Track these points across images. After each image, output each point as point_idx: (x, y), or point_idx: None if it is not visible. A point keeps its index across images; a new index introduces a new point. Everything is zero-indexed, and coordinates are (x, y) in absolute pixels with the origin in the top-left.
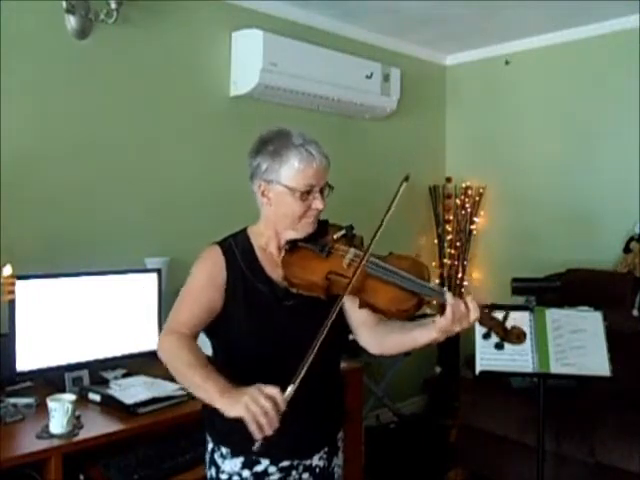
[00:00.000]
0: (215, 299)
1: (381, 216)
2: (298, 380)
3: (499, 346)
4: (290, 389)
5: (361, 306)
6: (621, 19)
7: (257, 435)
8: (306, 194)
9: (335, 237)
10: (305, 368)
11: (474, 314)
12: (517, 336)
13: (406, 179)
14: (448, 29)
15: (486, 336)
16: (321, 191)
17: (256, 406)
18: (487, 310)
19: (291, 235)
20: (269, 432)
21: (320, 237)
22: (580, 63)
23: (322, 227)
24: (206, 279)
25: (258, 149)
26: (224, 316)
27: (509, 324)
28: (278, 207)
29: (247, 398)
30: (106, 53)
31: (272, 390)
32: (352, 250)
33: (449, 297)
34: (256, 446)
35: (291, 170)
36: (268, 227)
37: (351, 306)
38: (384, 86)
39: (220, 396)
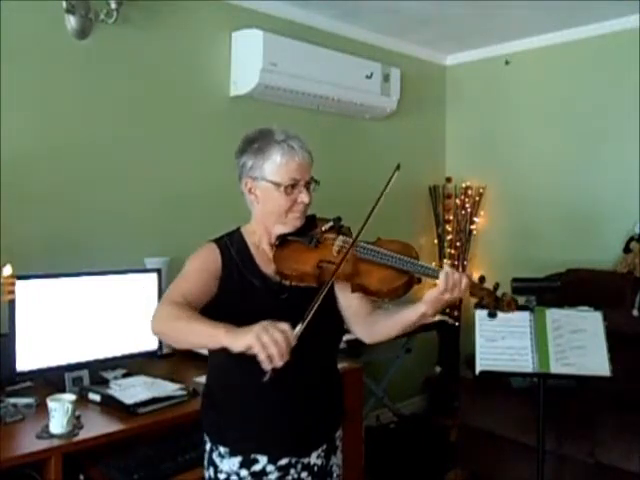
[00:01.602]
0: (210, 284)
1: (375, 205)
2: (307, 320)
3: (492, 315)
4: (299, 327)
5: (353, 290)
6: (621, 19)
7: (267, 365)
8: (291, 188)
9: (323, 229)
10: (313, 310)
11: (461, 284)
12: (508, 303)
13: (398, 168)
14: (448, 29)
15: (477, 305)
16: (307, 185)
17: (267, 335)
18: (477, 281)
19: (280, 230)
20: (279, 363)
21: (309, 231)
22: (580, 63)
23: (310, 221)
24: (202, 265)
25: (243, 149)
26: (220, 311)
27: (499, 292)
28: (265, 203)
29: (258, 327)
30: (106, 53)
31: (283, 324)
32: (340, 237)
33: (439, 272)
34: (266, 377)
35: (274, 165)
36: (259, 225)
37: (345, 298)
38: (384, 86)
39: (226, 332)
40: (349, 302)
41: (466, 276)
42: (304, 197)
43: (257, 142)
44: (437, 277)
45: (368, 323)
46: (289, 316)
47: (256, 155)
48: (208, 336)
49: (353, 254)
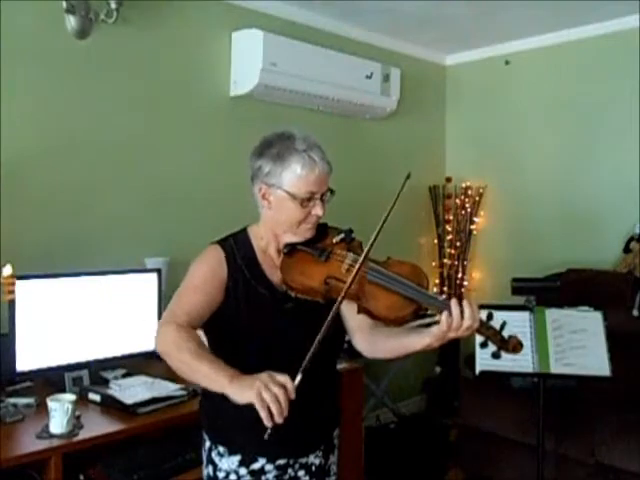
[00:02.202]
0: (215, 294)
1: (382, 217)
2: (304, 368)
3: (496, 355)
4: (298, 377)
5: (359, 311)
6: (621, 19)
7: (267, 423)
8: (306, 200)
9: (334, 241)
10: (309, 357)
11: (469, 322)
12: (514, 346)
13: (408, 177)
14: (448, 29)
15: (483, 345)
16: (322, 197)
17: (268, 393)
18: (484, 319)
19: (290, 239)
20: (279, 420)
21: (319, 241)
22: (580, 63)
23: (321, 230)
24: (208, 273)
25: (261, 151)
26: (224, 317)
27: (506, 333)
28: (278, 211)
29: (259, 384)
30: (106, 53)
31: (283, 377)
32: (351, 255)
33: (448, 305)
34: (266, 434)
35: (293, 176)
36: (267, 230)
37: (348, 310)
38: (384, 86)
39: (230, 382)
40: (353, 318)
41: (474, 319)
42: (318, 210)
43: (276, 147)
44: (442, 312)
45: (370, 340)
46: (292, 325)
47: (274, 161)
48: (211, 381)
49: (362, 275)
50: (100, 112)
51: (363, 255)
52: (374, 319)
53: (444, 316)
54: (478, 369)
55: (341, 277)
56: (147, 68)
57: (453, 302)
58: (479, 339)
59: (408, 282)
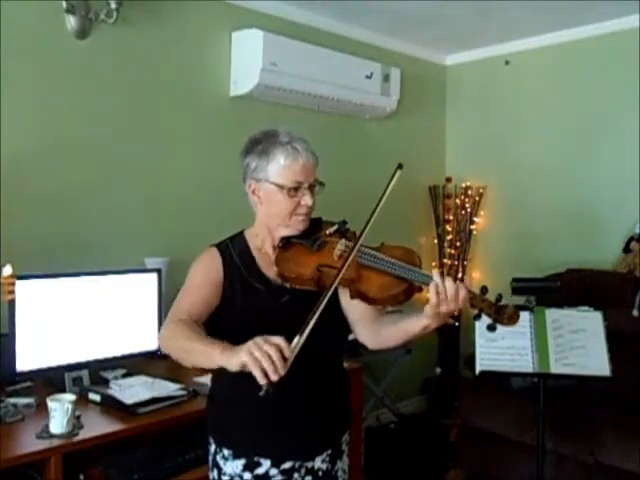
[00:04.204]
0: (213, 295)
1: (379, 212)
2: (305, 332)
3: (491, 327)
4: (296, 339)
5: (352, 296)
6: (621, 19)
7: (261, 381)
8: (294, 190)
9: (328, 232)
10: (312, 323)
11: (457, 292)
12: (509, 317)
13: (399, 167)
14: (448, 29)
15: (477, 317)
16: (311, 188)
17: (259, 351)
18: (478, 292)
19: (284, 232)
20: (274, 377)
21: (314, 233)
22: (580, 63)
23: (316, 224)
24: (204, 276)
25: (248, 150)
26: (223, 314)
27: (500, 304)
28: (269, 205)
29: (251, 344)
30: (106, 53)
31: (277, 338)
32: (343, 241)
33: (434, 277)
34: (262, 391)
35: (278, 167)
36: (262, 227)
37: (348, 302)
38: (384, 86)
39: (221, 352)
40: (352, 306)
41: (463, 288)
42: (307, 200)
43: (262, 143)
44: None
45: (372, 329)
46: (290, 319)
47: (260, 156)
48: (205, 356)
49: (355, 260)
50: (100, 112)
51: (356, 241)
52: (368, 301)
53: (431, 289)
54: (478, 369)
55: (333, 264)
56: (147, 68)
57: (435, 273)
58: (473, 312)
59: (398, 262)
